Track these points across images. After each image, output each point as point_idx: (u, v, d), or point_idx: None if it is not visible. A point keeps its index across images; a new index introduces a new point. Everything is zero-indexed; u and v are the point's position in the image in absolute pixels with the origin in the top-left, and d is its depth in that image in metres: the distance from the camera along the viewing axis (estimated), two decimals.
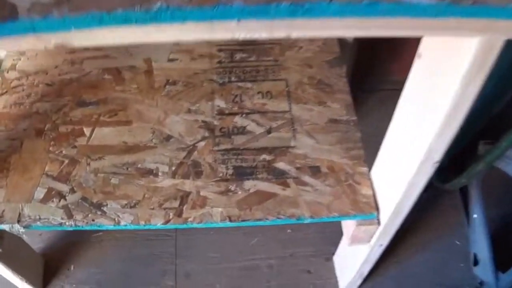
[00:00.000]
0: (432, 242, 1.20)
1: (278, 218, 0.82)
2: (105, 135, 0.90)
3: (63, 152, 0.88)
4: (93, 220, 0.81)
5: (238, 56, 1.01)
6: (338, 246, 1.13)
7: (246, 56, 1.01)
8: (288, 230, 1.21)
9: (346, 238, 0.91)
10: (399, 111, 0.71)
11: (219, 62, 1.00)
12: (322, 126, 0.92)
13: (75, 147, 0.88)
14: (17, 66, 0.99)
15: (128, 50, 1.01)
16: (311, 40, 1.04)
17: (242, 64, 1.00)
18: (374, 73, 1.41)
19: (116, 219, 0.81)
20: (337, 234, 1.05)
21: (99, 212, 0.81)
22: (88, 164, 0.87)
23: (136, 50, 1.01)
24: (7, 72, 0.98)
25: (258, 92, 0.96)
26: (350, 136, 0.90)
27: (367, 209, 0.82)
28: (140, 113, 0.93)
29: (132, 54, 1.01)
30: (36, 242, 1.16)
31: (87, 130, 0.90)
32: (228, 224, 0.81)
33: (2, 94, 0.95)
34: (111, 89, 0.96)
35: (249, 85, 0.97)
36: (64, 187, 0.84)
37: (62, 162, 0.87)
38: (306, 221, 0.82)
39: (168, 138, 0.90)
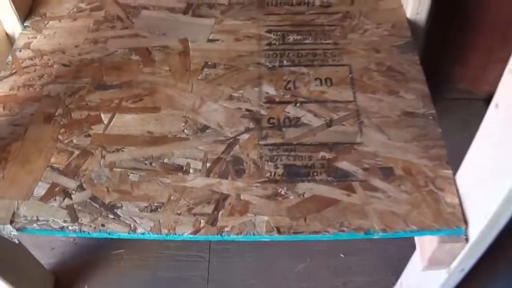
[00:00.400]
0: None
1: (341, 231, 0.62)
2: (126, 123, 0.73)
3: (74, 141, 0.71)
4: (102, 226, 0.63)
5: (291, 38, 0.84)
6: (400, 274, 0.91)
7: (300, 38, 0.84)
8: (341, 255, 1.00)
9: (421, 260, 0.70)
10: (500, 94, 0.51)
11: (269, 44, 0.83)
12: (394, 120, 0.72)
13: (88, 135, 0.72)
14: (31, 45, 0.84)
15: (161, 29, 0.85)
16: (378, 23, 0.85)
17: (296, 47, 0.82)
18: (438, 78, 1.21)
19: (131, 225, 0.63)
20: (399, 259, 0.85)
21: (111, 216, 0.64)
22: (103, 157, 0.69)
23: (170, 29, 0.85)
24: (20, 51, 0.83)
25: (316, 79, 0.78)
26: (429, 132, 0.71)
27: (453, 222, 0.62)
28: (170, 98, 0.76)
29: (166, 34, 0.85)
30: (47, 257, 0.99)
31: (105, 117, 0.74)
32: (275, 237, 0.62)
33: (11, 74, 0.80)
34: (138, 71, 0.79)
35: (304, 70, 0.79)
36: (70, 183, 0.67)
37: (72, 153, 0.70)
38: (376, 236, 0.62)
39: (204, 128, 0.72)
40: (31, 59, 0.82)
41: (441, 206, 0.63)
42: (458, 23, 1.05)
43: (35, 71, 0.80)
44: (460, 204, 0.63)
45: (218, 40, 0.83)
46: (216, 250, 1.00)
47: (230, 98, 0.75)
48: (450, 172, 0.67)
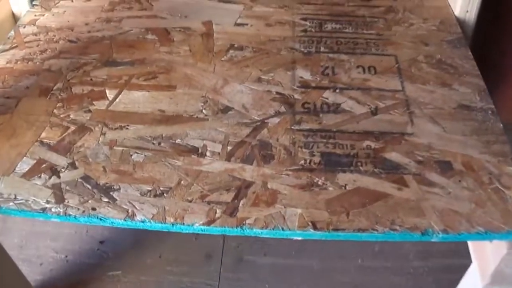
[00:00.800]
0: None
1: (392, 229, 0.48)
2: (134, 100, 0.62)
3: (71, 116, 0.60)
4: (93, 209, 0.50)
5: (329, 26, 0.74)
6: None
7: (339, 27, 0.73)
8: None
9: (481, 277, 0.56)
10: None
11: (304, 30, 0.73)
12: (449, 112, 0.61)
13: (89, 111, 0.60)
14: (37, 21, 0.75)
15: (183, 12, 0.76)
16: (424, 18, 0.75)
17: (334, 34, 0.72)
18: None
19: (129, 211, 0.50)
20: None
21: (104, 199, 0.51)
22: (103, 134, 0.58)
23: (193, 12, 0.76)
24: (24, 27, 0.74)
25: (358, 66, 0.67)
26: (489, 127, 0.59)
27: None
28: (188, 77, 0.65)
29: (188, 16, 0.75)
30: (34, 273, 0.85)
31: (110, 93, 0.63)
32: (310, 234, 0.49)
33: (11, 48, 0.70)
34: (153, 50, 0.69)
35: (344, 57, 0.68)
36: (61, 160, 0.55)
37: (67, 128, 0.59)
38: (435, 238, 0.49)
39: (226, 110, 0.61)
40: (35, 35, 0.72)
41: (509, 206, 0.50)
42: (498, 43, 0.95)
43: (37, 46, 0.70)
44: None
45: (246, 24, 0.73)
46: (227, 278, 0.86)
47: (259, 80, 0.64)
48: None
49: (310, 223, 0.49)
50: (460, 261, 0.61)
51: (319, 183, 0.53)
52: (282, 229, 0.49)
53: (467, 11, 0.75)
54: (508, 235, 0.49)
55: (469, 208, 0.51)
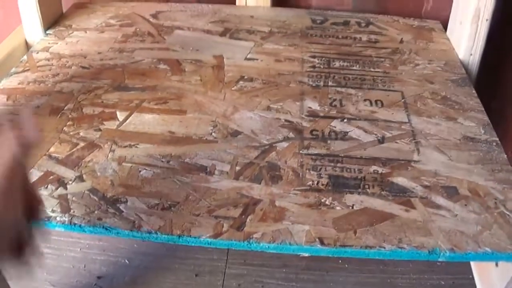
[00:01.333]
0: None
1: (400, 247, 0.48)
2: (145, 121, 0.63)
3: (81, 134, 0.60)
4: (99, 219, 0.50)
5: (337, 63, 0.76)
6: None
7: (347, 64, 0.75)
8: None
9: None
10: None
11: (312, 66, 0.75)
12: (454, 143, 0.62)
13: (99, 130, 0.61)
14: (50, 49, 0.77)
15: (195, 46, 0.78)
16: (430, 60, 0.78)
17: (342, 71, 0.74)
18: None
19: (136, 222, 0.50)
20: None
21: (111, 210, 0.51)
22: (112, 151, 0.58)
23: (205, 47, 0.78)
24: (37, 52, 0.76)
25: (365, 100, 0.68)
26: (494, 157, 0.60)
27: None
28: (199, 104, 0.66)
29: (199, 50, 0.77)
30: None
31: (121, 115, 0.63)
32: (318, 249, 0.48)
33: (23, 71, 0.71)
34: (165, 78, 0.71)
35: (352, 91, 0.70)
36: (68, 173, 0.55)
37: (76, 144, 0.59)
38: (442, 257, 0.48)
39: (235, 133, 0.61)
40: (48, 60, 0.74)
41: None
42: (502, 93, 0.98)
43: (50, 70, 0.72)
44: None
45: (257, 59, 0.75)
46: None
47: (268, 109, 0.65)
48: None
49: (317, 239, 0.48)
50: None
51: (327, 202, 0.52)
52: (290, 243, 0.48)
53: (471, 54, 0.78)
54: None
55: (475, 230, 0.50)
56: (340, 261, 0.89)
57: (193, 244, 0.49)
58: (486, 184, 0.56)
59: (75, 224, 0.49)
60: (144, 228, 0.49)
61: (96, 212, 0.50)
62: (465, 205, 0.53)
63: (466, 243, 0.49)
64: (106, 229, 0.49)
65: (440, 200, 0.53)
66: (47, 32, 0.81)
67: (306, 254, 0.50)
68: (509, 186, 0.56)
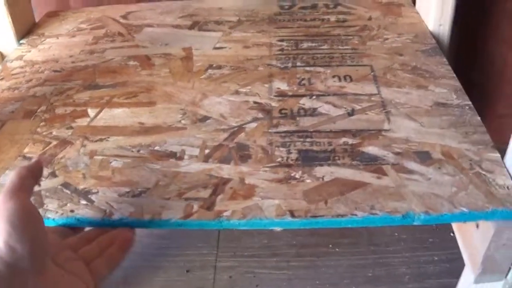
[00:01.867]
0: None
1: (372, 214, 0.48)
2: (115, 115, 0.63)
3: (53, 133, 0.61)
4: (71, 211, 0.50)
5: (305, 44, 0.76)
6: None
7: (316, 45, 0.76)
8: None
9: (473, 268, 0.54)
10: None
11: (280, 49, 0.75)
12: (426, 109, 0.62)
13: (71, 128, 0.62)
14: (24, 57, 0.78)
15: (164, 41, 0.79)
16: (399, 33, 0.78)
17: (310, 51, 0.74)
18: None
19: (107, 211, 0.50)
20: None
21: (83, 201, 0.51)
22: (84, 146, 0.59)
23: (174, 41, 0.79)
24: (11, 62, 0.77)
25: (334, 76, 0.69)
26: (467, 120, 0.60)
27: (510, 202, 0.49)
28: (168, 94, 0.66)
29: (168, 44, 0.78)
30: None
31: (92, 112, 0.64)
32: (288, 222, 0.48)
33: None
34: (135, 74, 0.71)
35: (320, 69, 0.70)
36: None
37: (48, 143, 0.59)
38: (417, 221, 0.48)
39: (204, 119, 0.62)
40: (22, 68, 0.75)
41: (492, 188, 0.50)
42: (481, 62, 0.98)
43: (23, 76, 0.72)
44: None
45: (225, 47, 0.76)
46: None
47: (236, 92, 0.66)
48: (497, 155, 0.54)
49: (288, 212, 0.49)
50: (456, 281, 0.60)
51: (297, 176, 0.53)
52: (260, 219, 0.49)
53: (440, 25, 0.78)
54: (493, 214, 0.48)
55: (450, 191, 0.50)
56: (330, 245, 0.90)
57: (164, 227, 0.49)
58: (460, 146, 0.56)
59: (48, 218, 0.50)
60: (115, 216, 0.50)
61: (68, 204, 0.51)
62: (439, 168, 0.53)
63: (441, 205, 0.49)
64: (78, 220, 0.50)
65: (413, 165, 0.54)
66: (21, 42, 0.82)
67: (279, 229, 0.50)
68: (483, 147, 0.56)
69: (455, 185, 0.51)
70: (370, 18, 0.83)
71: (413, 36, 0.77)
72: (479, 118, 0.60)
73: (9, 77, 0.72)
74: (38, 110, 0.65)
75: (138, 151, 0.57)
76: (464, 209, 0.48)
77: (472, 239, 0.55)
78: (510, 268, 0.53)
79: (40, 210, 0.50)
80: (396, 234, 0.92)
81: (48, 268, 0.41)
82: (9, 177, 0.51)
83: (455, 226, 0.62)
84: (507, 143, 0.53)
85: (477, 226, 0.54)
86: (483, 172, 0.52)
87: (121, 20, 0.86)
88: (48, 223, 0.50)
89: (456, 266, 0.68)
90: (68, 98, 0.67)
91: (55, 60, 0.76)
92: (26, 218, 0.39)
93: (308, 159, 0.55)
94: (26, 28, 0.85)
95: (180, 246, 0.91)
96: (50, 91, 0.69)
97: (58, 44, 0.80)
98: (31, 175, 0.44)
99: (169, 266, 0.88)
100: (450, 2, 0.77)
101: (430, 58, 0.72)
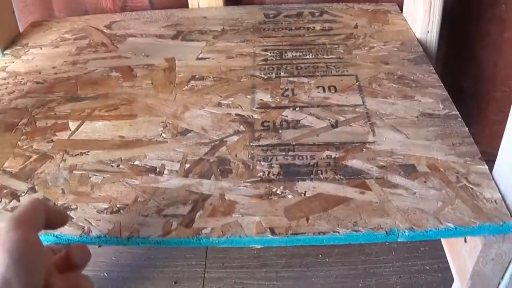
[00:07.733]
0: None
1: (355, 231, 0.47)
2: (95, 129, 0.62)
3: (34, 146, 0.60)
4: None
5: (289, 54, 0.76)
6: None
7: (300, 54, 0.75)
8: None
9: (460, 280, 0.54)
10: None
11: (264, 60, 0.75)
12: (412, 120, 0.61)
13: (51, 141, 0.61)
14: (7, 68, 0.77)
15: (146, 51, 0.78)
16: (385, 41, 0.78)
17: (295, 61, 0.74)
18: None
19: (85, 228, 0.49)
20: None
21: None
22: (64, 160, 0.58)
23: (157, 51, 0.78)
24: None
25: (318, 87, 0.68)
26: (454, 131, 0.60)
27: (498, 217, 0.48)
28: (150, 107, 0.66)
29: (151, 55, 0.77)
30: None
31: (73, 125, 0.63)
32: (269, 240, 0.48)
33: None
34: (117, 85, 0.70)
35: (304, 80, 0.70)
36: (21, 186, 0.55)
37: (29, 157, 0.59)
38: (401, 237, 0.48)
39: (185, 132, 0.61)
40: (4, 79, 0.74)
41: (479, 202, 0.50)
42: (471, 68, 0.98)
43: (6, 88, 0.71)
44: (503, 199, 0.50)
45: (208, 58, 0.75)
46: None
47: (219, 105, 0.65)
48: (485, 167, 0.54)
49: (268, 229, 0.48)
50: None
51: (278, 192, 0.52)
52: (240, 236, 0.48)
53: (428, 32, 0.78)
54: (481, 230, 0.48)
55: (436, 206, 0.50)
56: (320, 255, 0.89)
57: (142, 245, 0.49)
58: (446, 158, 0.55)
59: None
60: (93, 233, 0.49)
61: None
62: (424, 181, 0.53)
63: (426, 221, 0.48)
64: (57, 237, 0.49)
65: (397, 179, 0.53)
66: (4, 52, 0.81)
67: (259, 246, 0.50)
68: (471, 159, 0.55)
69: (441, 200, 0.50)
70: (356, 26, 0.82)
71: (400, 44, 0.77)
72: (466, 129, 0.60)
73: None
74: (20, 123, 0.64)
75: (118, 166, 0.57)
76: (450, 225, 0.48)
77: (460, 253, 0.54)
78: (499, 283, 0.52)
79: None
80: (387, 243, 0.91)
81: None
82: (23, 202, 0.50)
83: (443, 239, 0.61)
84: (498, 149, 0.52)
85: (465, 240, 0.54)
86: (470, 186, 0.52)
87: (105, 30, 0.85)
88: None
89: (448, 275, 0.67)
90: (50, 111, 0.66)
91: (38, 72, 0.75)
92: (28, 251, 0.38)
93: (290, 173, 0.54)
94: (10, 39, 0.85)
95: (169, 257, 0.90)
96: (32, 103, 0.68)
97: (42, 54, 0.79)
98: (46, 215, 0.42)
99: (157, 277, 0.87)
100: (438, 9, 0.77)
101: (417, 66, 0.71)
